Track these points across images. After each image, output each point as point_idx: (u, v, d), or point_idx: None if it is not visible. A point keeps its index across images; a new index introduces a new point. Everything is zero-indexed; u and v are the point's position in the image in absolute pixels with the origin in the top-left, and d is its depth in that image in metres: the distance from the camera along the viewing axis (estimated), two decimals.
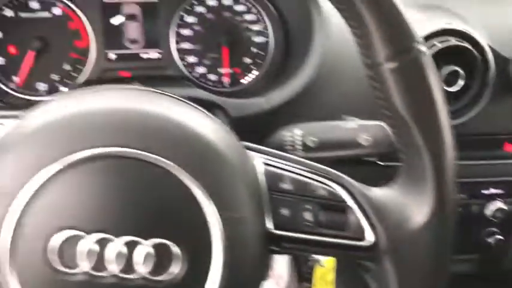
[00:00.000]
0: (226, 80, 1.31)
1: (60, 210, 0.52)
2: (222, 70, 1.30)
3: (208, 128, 0.60)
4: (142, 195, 0.54)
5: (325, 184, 0.65)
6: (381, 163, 1.16)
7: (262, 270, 0.62)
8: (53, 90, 1.22)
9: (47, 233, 0.51)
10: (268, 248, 0.62)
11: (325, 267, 1.02)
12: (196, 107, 0.66)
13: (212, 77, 1.30)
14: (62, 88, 1.22)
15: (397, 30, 0.59)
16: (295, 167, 0.65)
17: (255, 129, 1.14)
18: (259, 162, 0.65)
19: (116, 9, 1.24)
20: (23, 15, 1.19)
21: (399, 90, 0.61)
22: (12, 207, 0.50)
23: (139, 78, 1.23)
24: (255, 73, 1.32)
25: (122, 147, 0.53)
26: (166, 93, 0.67)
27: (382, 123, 0.87)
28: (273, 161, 0.65)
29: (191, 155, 0.55)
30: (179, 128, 0.56)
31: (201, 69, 1.30)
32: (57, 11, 1.20)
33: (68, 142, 0.52)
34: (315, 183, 0.65)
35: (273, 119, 1.10)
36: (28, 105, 1.19)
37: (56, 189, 0.52)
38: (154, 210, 0.54)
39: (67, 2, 1.20)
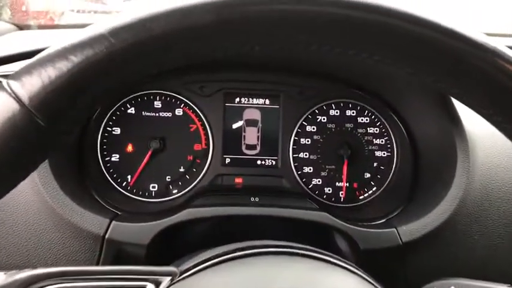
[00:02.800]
0: (342, 194, 1.21)
1: None
2: (340, 183, 1.21)
3: None
4: None
5: None
6: None
7: None
8: (163, 192, 1.17)
9: None
10: None
11: None
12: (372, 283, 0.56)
13: (328, 189, 1.21)
14: (174, 191, 1.17)
15: None
16: None
17: (385, 265, 1.03)
18: None
19: (237, 113, 1.20)
20: (145, 113, 1.17)
21: None
22: None
23: (252, 188, 1.16)
24: (374, 190, 1.21)
25: None
26: (343, 263, 0.58)
27: None
28: None
29: None
30: None
31: (317, 181, 1.21)
32: (179, 111, 1.18)
33: None
34: None
35: (405, 254, 0.98)
36: (136, 206, 1.17)
37: None
38: None
39: (190, 103, 1.18)
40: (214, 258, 0.57)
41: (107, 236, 0.92)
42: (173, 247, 1.01)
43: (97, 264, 0.92)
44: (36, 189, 0.92)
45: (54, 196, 0.92)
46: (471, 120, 1.05)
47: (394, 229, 0.98)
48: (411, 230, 0.98)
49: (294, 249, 0.58)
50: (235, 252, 0.58)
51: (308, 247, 0.59)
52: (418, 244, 0.97)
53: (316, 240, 1.08)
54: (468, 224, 0.99)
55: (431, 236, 0.97)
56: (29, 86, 0.42)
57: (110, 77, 0.45)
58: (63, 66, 0.42)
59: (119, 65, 0.44)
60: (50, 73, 0.42)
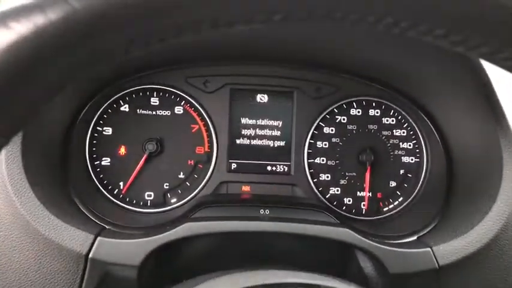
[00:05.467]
0: (364, 206, 1.06)
1: None
2: (361, 193, 1.06)
3: None
4: None
5: None
6: None
7: None
8: (159, 202, 1.03)
9: None
10: None
11: None
12: None
13: (348, 200, 1.06)
14: (173, 200, 1.03)
15: None
16: None
17: None
18: None
19: (244, 112, 1.06)
20: (140, 111, 1.03)
21: None
22: None
23: (261, 198, 1.02)
24: (400, 201, 1.06)
25: None
26: None
27: None
28: None
29: None
30: None
31: (335, 190, 1.06)
32: (179, 109, 1.04)
33: None
34: None
35: (441, 279, 0.83)
36: (128, 218, 1.02)
37: None
38: None
39: (192, 101, 1.03)
40: None
41: (90, 255, 0.78)
42: (170, 267, 0.87)
43: None
44: (8, 199, 0.78)
45: (29, 207, 0.77)
46: None
47: (429, 249, 0.83)
48: (449, 250, 0.83)
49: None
50: None
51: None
52: (458, 267, 0.82)
53: (335, 258, 0.94)
54: None
55: (473, 258, 0.82)
56: None
57: (67, 57, 0.32)
58: (2, 36, 0.29)
59: (81, 40, 0.31)
60: None
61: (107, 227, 0.87)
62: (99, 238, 0.79)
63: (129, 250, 0.79)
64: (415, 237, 0.92)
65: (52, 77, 0.33)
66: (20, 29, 0.30)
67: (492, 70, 0.88)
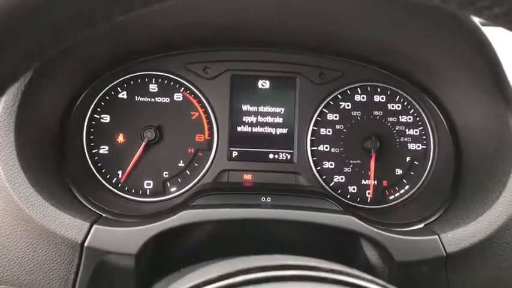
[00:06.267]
0: (369, 194, 1.03)
1: None
2: (366, 181, 1.03)
3: None
4: None
5: None
6: None
7: None
8: (159, 191, 1.00)
9: None
10: None
11: None
12: None
13: (352, 188, 1.04)
14: (172, 189, 1.00)
15: None
16: None
17: (424, 280, 0.85)
18: None
19: (246, 98, 1.03)
20: (139, 98, 1.01)
21: None
22: None
23: (263, 186, 0.99)
24: (407, 189, 1.03)
25: None
26: None
27: None
28: None
29: None
30: None
31: (339, 178, 1.04)
32: (178, 96, 1.01)
33: None
34: None
35: (449, 268, 0.80)
36: (127, 207, 1.00)
37: None
38: None
39: (192, 87, 1.01)
40: (224, 279, 0.41)
41: (86, 243, 0.75)
42: (168, 256, 0.85)
43: (75, 278, 0.76)
44: (1, 185, 0.75)
45: (23, 194, 0.75)
46: None
47: (437, 237, 0.80)
48: (457, 238, 0.80)
49: (325, 273, 0.41)
50: (250, 273, 0.41)
51: (343, 269, 0.42)
52: (466, 255, 0.79)
53: (339, 246, 0.91)
54: None
55: (482, 245, 0.79)
56: None
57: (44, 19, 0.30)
58: None
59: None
60: None
61: (104, 215, 0.85)
62: (95, 226, 0.77)
63: (126, 238, 0.77)
64: (422, 225, 0.89)
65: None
66: None
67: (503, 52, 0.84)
